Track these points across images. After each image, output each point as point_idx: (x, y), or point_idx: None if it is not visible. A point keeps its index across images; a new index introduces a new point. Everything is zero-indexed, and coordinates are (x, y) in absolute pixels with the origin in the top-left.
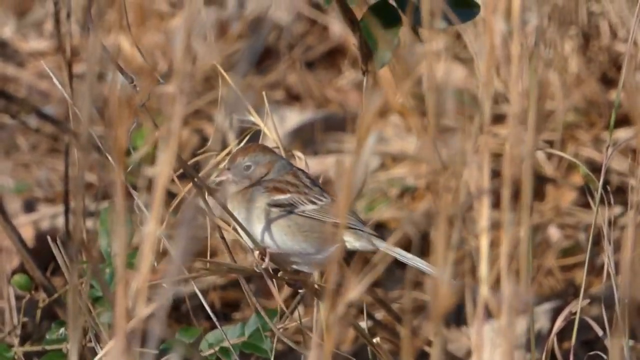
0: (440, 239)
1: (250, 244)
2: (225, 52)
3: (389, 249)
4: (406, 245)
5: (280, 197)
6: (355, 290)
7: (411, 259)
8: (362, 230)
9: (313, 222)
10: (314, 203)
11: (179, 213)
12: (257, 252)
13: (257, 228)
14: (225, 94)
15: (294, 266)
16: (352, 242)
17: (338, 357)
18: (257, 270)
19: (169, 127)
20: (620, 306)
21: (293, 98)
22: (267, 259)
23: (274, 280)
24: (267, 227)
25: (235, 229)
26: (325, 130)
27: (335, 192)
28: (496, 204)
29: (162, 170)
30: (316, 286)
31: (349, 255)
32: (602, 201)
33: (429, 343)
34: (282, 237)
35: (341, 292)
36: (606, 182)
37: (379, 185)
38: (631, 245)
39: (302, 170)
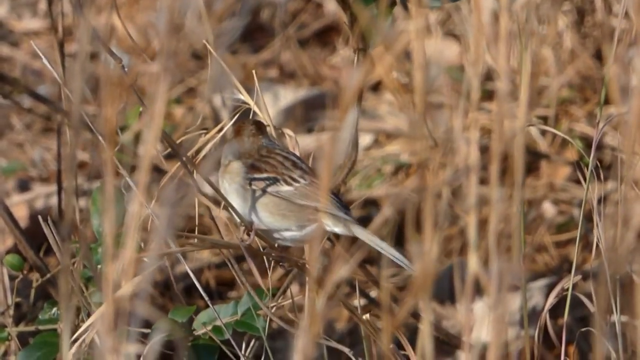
0: (429, 216)
1: (237, 219)
2: (218, 30)
3: (364, 236)
4: (395, 224)
5: (257, 176)
6: (343, 269)
7: (385, 249)
8: (338, 215)
9: (289, 203)
10: (289, 184)
11: (163, 190)
12: (242, 228)
13: (237, 204)
14: (211, 71)
15: (280, 242)
16: (330, 225)
17: (332, 336)
18: (243, 245)
19: (154, 106)
20: (612, 282)
21: (287, 76)
22: (252, 235)
23: (262, 258)
24: (247, 204)
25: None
26: (320, 107)
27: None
28: (489, 180)
29: (147, 149)
30: (302, 264)
31: (335, 235)
32: (596, 177)
33: (418, 318)
34: (262, 214)
35: (329, 271)
36: (600, 158)
37: (372, 162)
38: (620, 221)
39: (284, 151)
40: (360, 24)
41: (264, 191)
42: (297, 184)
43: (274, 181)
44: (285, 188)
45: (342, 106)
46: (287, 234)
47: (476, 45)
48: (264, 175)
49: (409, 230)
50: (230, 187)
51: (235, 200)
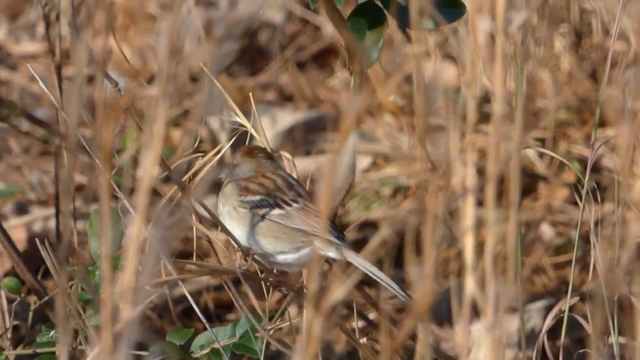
0: (428, 238)
1: (234, 244)
2: (215, 53)
3: (357, 261)
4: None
5: (249, 198)
6: (340, 291)
7: (378, 275)
8: (330, 239)
9: (281, 225)
10: (281, 207)
11: (154, 214)
12: (239, 253)
13: (230, 226)
14: (203, 93)
15: (275, 265)
16: (323, 249)
17: (330, 358)
18: (239, 271)
19: (153, 129)
20: (609, 304)
21: (285, 98)
22: (249, 260)
23: (260, 281)
24: (240, 226)
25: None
26: (318, 130)
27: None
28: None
29: (146, 172)
30: (300, 287)
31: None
32: (593, 199)
33: (415, 340)
34: (255, 236)
35: (325, 293)
36: (597, 180)
37: (371, 184)
38: (617, 242)
39: (280, 173)
40: (358, 45)
41: (255, 214)
42: (288, 207)
43: (266, 203)
44: (276, 211)
45: (342, 131)
46: (280, 257)
47: (472, 67)
48: (257, 197)
49: (408, 252)
50: (224, 209)
51: (228, 223)
